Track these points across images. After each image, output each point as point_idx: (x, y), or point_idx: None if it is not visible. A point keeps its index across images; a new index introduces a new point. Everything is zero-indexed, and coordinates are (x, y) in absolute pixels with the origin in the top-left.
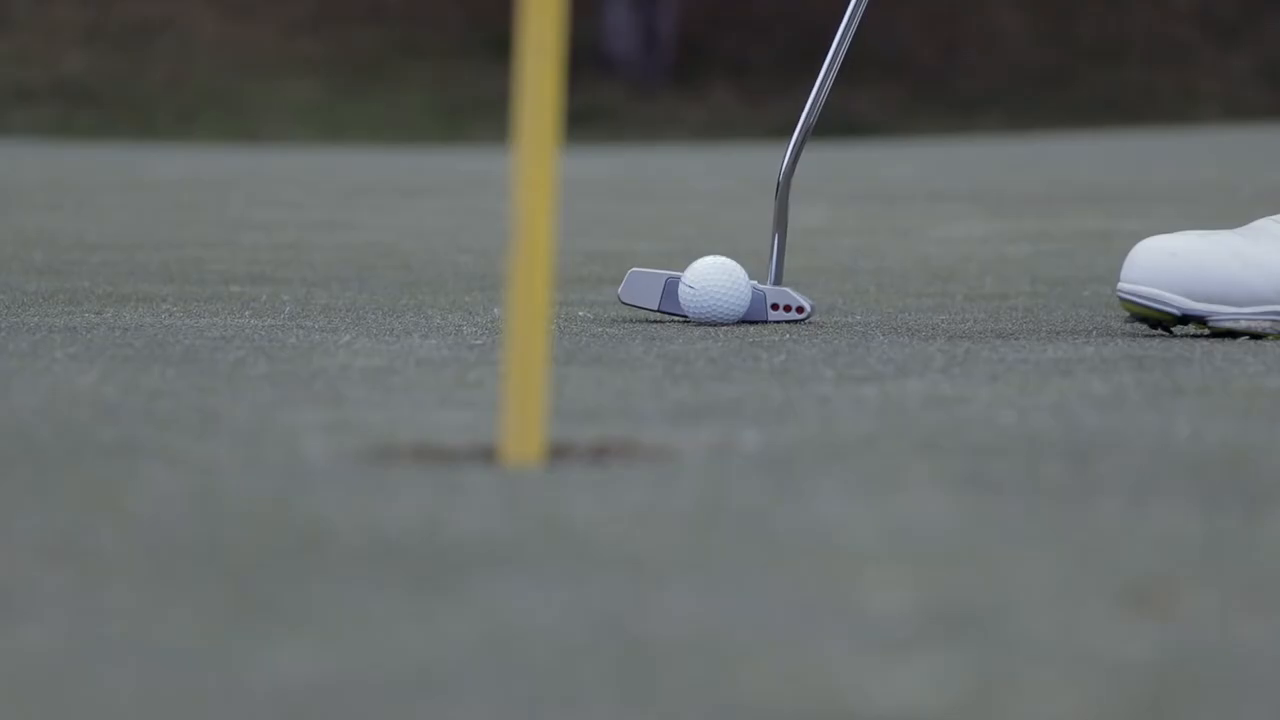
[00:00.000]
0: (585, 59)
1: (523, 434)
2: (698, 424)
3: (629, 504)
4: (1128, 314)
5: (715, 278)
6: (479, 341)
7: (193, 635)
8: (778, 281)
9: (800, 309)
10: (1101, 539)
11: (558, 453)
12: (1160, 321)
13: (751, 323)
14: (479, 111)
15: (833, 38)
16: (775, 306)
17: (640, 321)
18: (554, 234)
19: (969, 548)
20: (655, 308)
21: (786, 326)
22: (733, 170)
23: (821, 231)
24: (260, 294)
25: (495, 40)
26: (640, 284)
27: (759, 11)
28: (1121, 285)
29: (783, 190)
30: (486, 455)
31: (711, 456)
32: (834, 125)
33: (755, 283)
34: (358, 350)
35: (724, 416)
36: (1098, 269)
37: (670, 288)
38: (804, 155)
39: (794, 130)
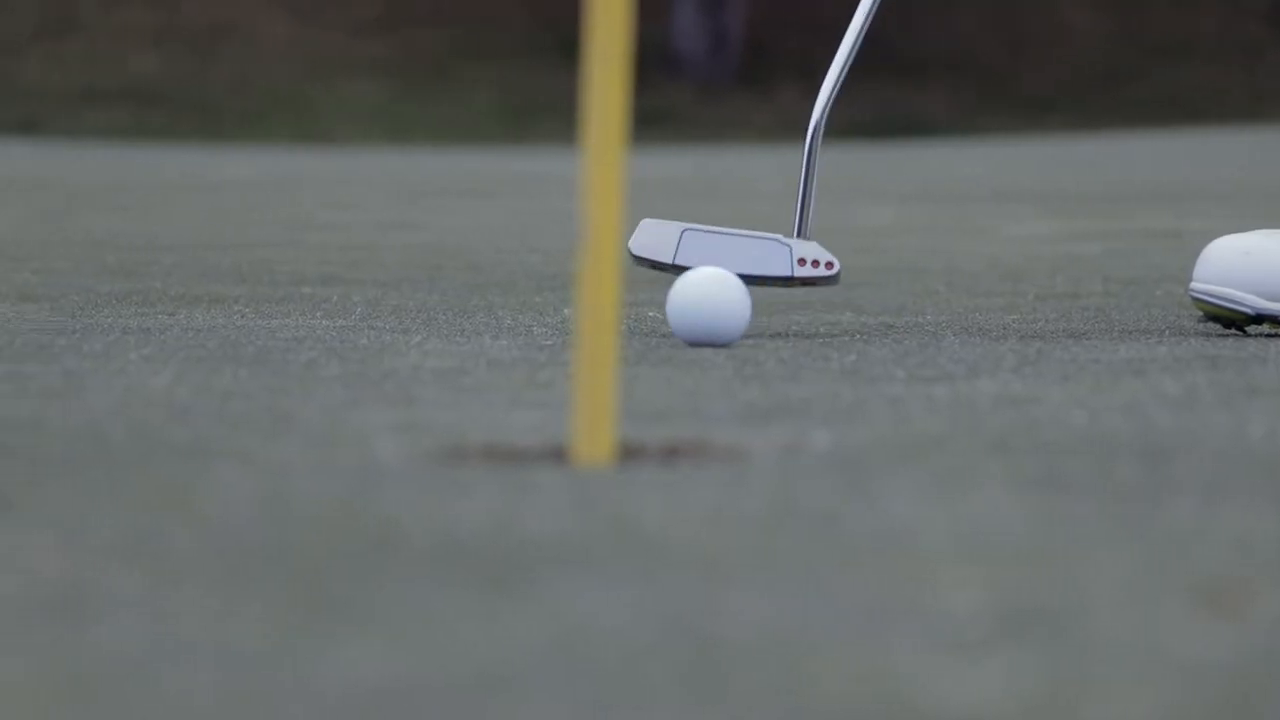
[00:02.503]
0: (653, 60)
1: (593, 434)
2: (768, 424)
3: (699, 504)
4: (1200, 313)
5: (706, 292)
6: (549, 342)
7: (263, 635)
8: (802, 234)
9: (829, 264)
10: (1174, 539)
11: (628, 453)
12: (1233, 321)
13: (778, 280)
14: (546, 112)
15: (894, 36)
16: (803, 261)
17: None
18: (623, 235)
19: (1041, 548)
20: (670, 262)
21: (856, 327)
22: (799, 170)
23: (889, 231)
24: (331, 295)
25: (562, 41)
26: (653, 236)
27: (825, 12)
28: (1194, 285)
29: (813, 142)
30: (557, 455)
31: (782, 457)
32: (900, 124)
33: (780, 237)
34: (428, 351)
35: (794, 417)
36: (1169, 268)
37: (688, 241)
38: (870, 155)
39: (828, 83)
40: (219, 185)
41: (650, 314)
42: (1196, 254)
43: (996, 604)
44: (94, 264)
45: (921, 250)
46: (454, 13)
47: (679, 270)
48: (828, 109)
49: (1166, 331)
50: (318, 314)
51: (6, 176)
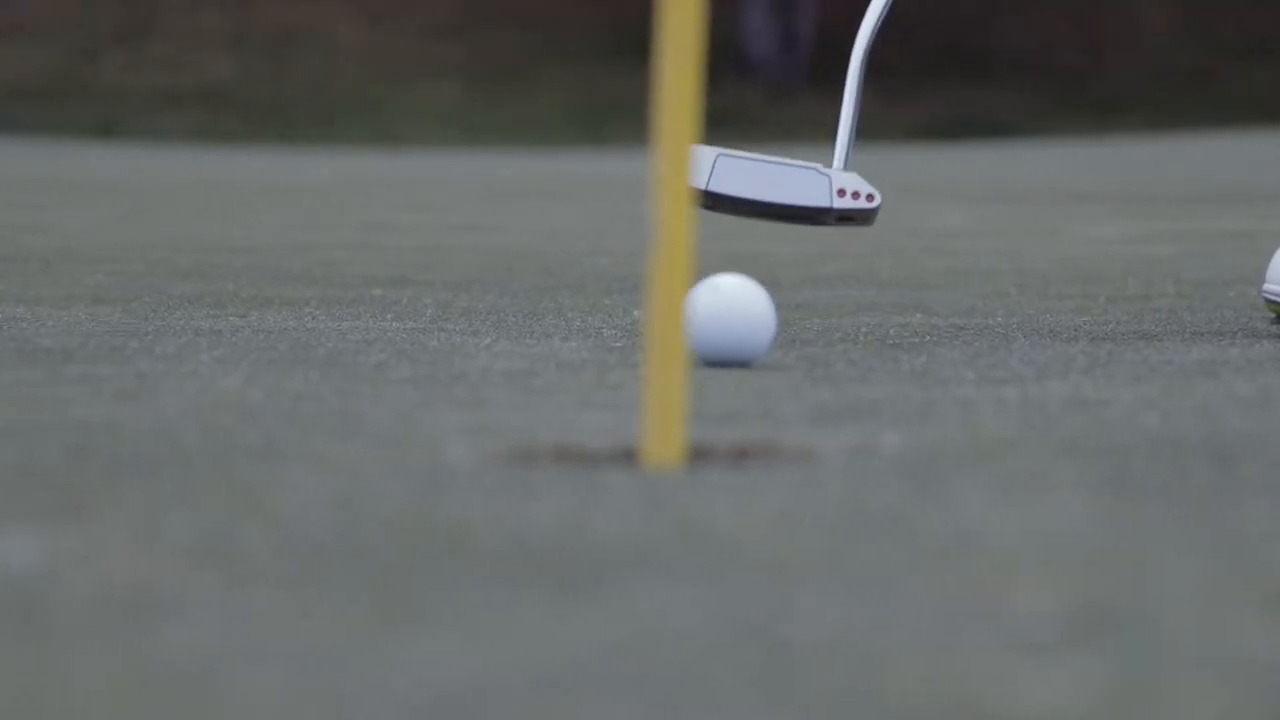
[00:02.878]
0: (724, 61)
1: (663, 436)
2: (838, 426)
3: (769, 506)
4: (1273, 315)
5: (720, 307)
6: (619, 344)
7: (335, 636)
8: (846, 166)
9: (870, 196)
10: (1246, 542)
11: (698, 455)
12: None
13: (813, 213)
14: (618, 113)
15: (969, 36)
16: (842, 192)
17: (780, 324)
18: (693, 236)
19: (1112, 551)
20: (703, 188)
21: (927, 329)
22: (871, 172)
23: (962, 233)
24: (402, 297)
25: (634, 42)
26: None
27: (897, 12)
28: (1266, 286)
29: (860, 68)
30: (627, 457)
31: (852, 459)
32: (973, 125)
33: (818, 166)
34: (498, 353)
35: (864, 418)
36: (1243, 270)
37: (722, 167)
38: (943, 156)
39: (875, 5)
40: (292, 188)
41: None
42: (1270, 256)
43: (1067, 607)
44: (167, 266)
45: (993, 252)
46: (527, 15)
47: (712, 199)
48: (875, 31)
49: (1239, 333)
50: (388, 316)
51: (83, 179)
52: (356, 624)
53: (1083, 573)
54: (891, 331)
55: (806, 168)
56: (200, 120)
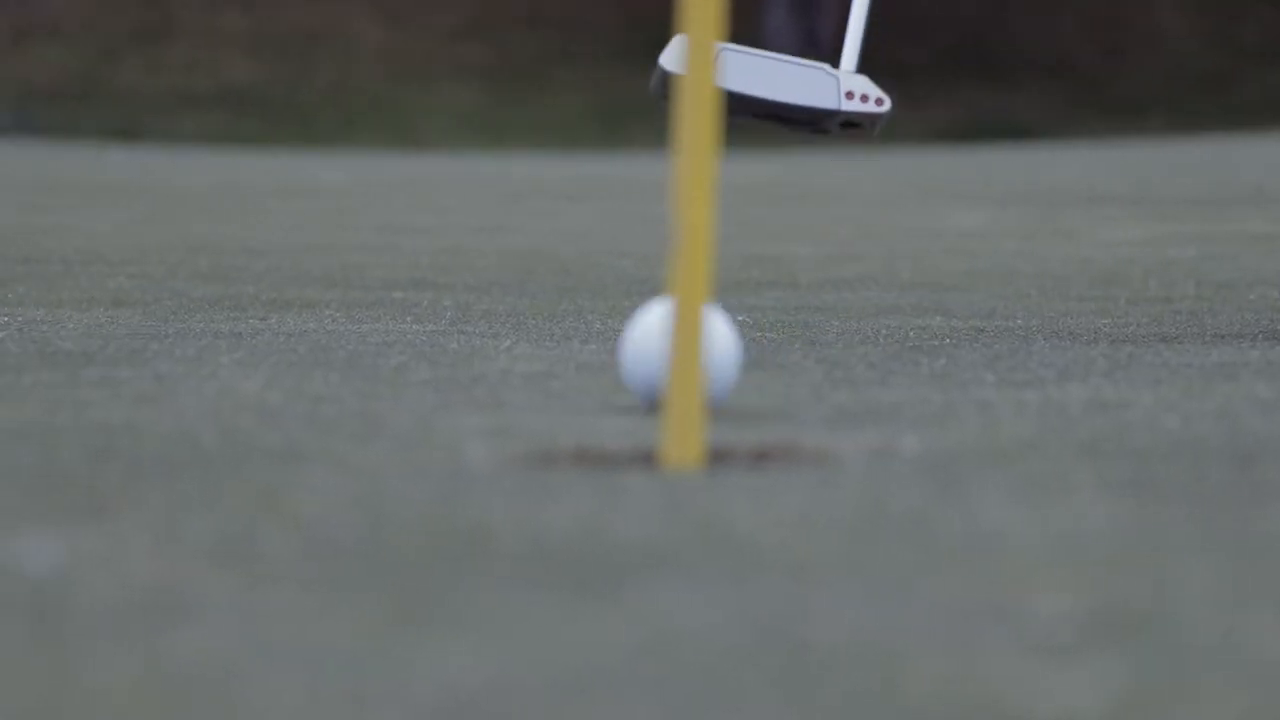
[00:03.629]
0: None
1: (683, 438)
2: (858, 428)
3: (789, 508)
4: None
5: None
6: None
7: (356, 637)
8: (858, 68)
9: (879, 100)
10: (1268, 543)
11: (718, 457)
12: None
13: (818, 116)
14: (637, 115)
15: (988, 38)
16: (850, 95)
17: (799, 326)
18: (714, 239)
19: (1133, 553)
20: None
21: (947, 331)
22: (891, 173)
23: (980, 234)
24: (421, 299)
25: (655, 43)
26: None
27: (916, 13)
28: None
29: None
30: (647, 459)
31: (871, 461)
32: (993, 127)
33: (826, 66)
34: (518, 355)
35: (884, 421)
36: (1263, 272)
37: (725, 62)
38: (963, 158)
39: None
40: (312, 190)
41: (740, 318)
42: None
43: (1087, 608)
44: (187, 269)
45: (1013, 254)
46: (546, 16)
47: None
48: None
49: (1259, 335)
50: (408, 318)
51: (104, 181)
52: (376, 626)
53: (1103, 574)
54: (911, 334)
55: (814, 67)
56: (220, 122)
